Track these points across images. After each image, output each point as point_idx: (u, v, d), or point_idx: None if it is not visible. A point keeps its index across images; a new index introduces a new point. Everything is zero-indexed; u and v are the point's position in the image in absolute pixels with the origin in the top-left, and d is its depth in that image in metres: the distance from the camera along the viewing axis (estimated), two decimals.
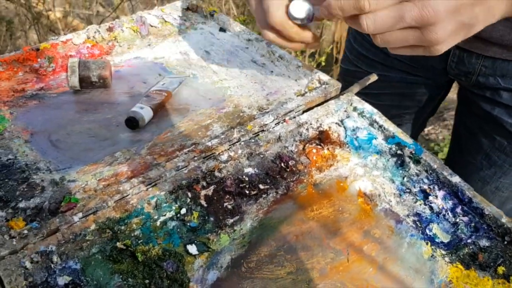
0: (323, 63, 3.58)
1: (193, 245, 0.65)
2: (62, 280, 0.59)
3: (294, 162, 0.79)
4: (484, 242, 0.72)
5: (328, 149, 0.82)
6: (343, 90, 0.91)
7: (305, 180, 0.77)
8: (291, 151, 0.81)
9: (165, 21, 1.10)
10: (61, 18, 3.52)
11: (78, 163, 0.75)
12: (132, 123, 0.80)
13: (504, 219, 0.72)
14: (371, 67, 1.10)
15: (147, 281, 0.61)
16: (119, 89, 0.90)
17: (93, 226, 0.63)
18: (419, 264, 0.69)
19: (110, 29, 1.03)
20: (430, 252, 0.70)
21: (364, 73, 1.09)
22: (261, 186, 0.74)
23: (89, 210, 0.65)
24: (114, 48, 1.01)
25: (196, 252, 0.65)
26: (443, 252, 0.70)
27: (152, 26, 1.08)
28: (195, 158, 0.74)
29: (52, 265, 0.60)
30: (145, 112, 0.81)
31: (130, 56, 1.00)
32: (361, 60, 1.12)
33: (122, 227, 0.65)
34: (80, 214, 0.64)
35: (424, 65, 1.04)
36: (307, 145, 0.82)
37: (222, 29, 1.08)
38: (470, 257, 0.70)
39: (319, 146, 0.82)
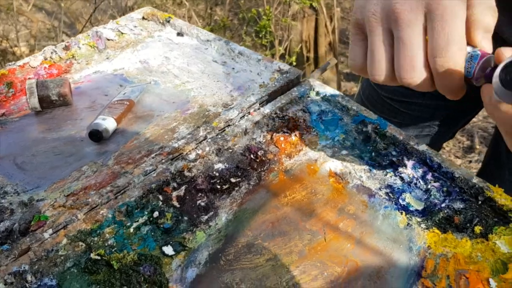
0: (294, 63, 3.61)
1: (169, 246, 0.65)
2: None
3: (263, 152, 0.79)
4: (458, 205, 0.72)
5: (295, 135, 0.82)
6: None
7: (276, 168, 0.77)
8: (259, 142, 0.81)
9: (122, 33, 1.09)
10: (28, 53, 3.49)
11: (45, 182, 0.75)
12: (96, 135, 0.79)
13: (475, 180, 0.73)
14: None
15: (125, 287, 0.60)
16: (80, 105, 0.90)
17: (64, 241, 0.63)
18: (396, 234, 0.69)
19: (66, 48, 1.03)
20: (405, 221, 0.71)
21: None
22: (232, 180, 0.74)
23: (59, 225, 0.64)
24: (73, 66, 1.00)
25: (173, 253, 0.64)
26: (419, 220, 0.71)
27: (108, 39, 1.07)
28: (163, 161, 0.74)
29: (27, 285, 0.59)
30: (108, 123, 0.81)
31: (89, 71, 0.99)
32: None
33: (95, 238, 0.64)
34: (50, 231, 0.63)
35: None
36: (275, 134, 0.82)
37: (180, 34, 1.08)
38: (446, 221, 0.71)
39: (286, 134, 0.82)
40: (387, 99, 1.07)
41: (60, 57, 1.02)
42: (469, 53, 0.44)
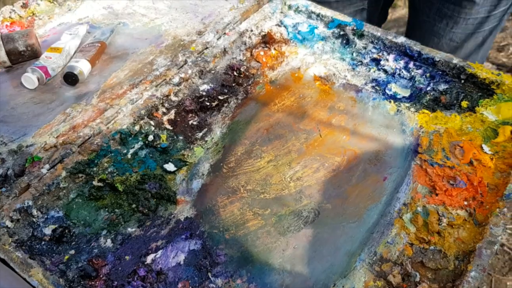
0: None
1: (170, 163, 0.65)
2: (48, 229, 0.57)
3: (246, 68, 0.78)
4: (442, 86, 0.74)
5: (274, 49, 0.82)
6: None
7: (261, 81, 0.77)
8: (240, 59, 0.80)
9: None
10: None
11: (31, 129, 0.73)
12: (71, 77, 0.77)
13: (455, 60, 0.75)
14: None
15: (133, 205, 0.60)
16: None
17: (63, 173, 0.62)
18: (388, 120, 0.71)
19: (24, 6, 0.99)
20: (395, 108, 0.72)
21: None
22: (220, 97, 0.74)
23: (55, 160, 0.63)
24: (35, 22, 0.96)
25: (175, 168, 0.64)
26: (407, 105, 0.73)
27: None
28: (147, 89, 0.73)
29: (34, 219, 0.58)
30: (82, 65, 0.79)
31: (53, 24, 0.96)
32: None
33: (94, 169, 0.64)
34: (47, 166, 0.62)
35: None
36: (254, 50, 0.82)
37: None
38: (434, 102, 0.73)
39: (265, 48, 0.82)
40: None
41: (20, 16, 0.98)
42: None
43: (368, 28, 0.81)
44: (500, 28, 1.07)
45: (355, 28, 0.81)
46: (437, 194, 0.60)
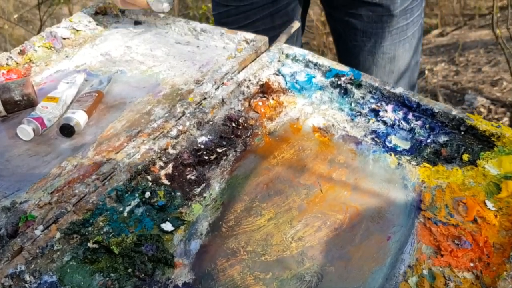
0: None
1: (167, 222, 0.63)
2: None
3: (244, 119, 0.78)
4: (442, 138, 0.74)
5: (273, 98, 0.81)
6: None
7: (259, 132, 0.76)
8: (238, 110, 0.80)
9: (77, 30, 1.06)
10: None
11: (25, 184, 0.71)
12: (67, 129, 0.76)
13: (454, 112, 0.74)
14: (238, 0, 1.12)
15: (129, 270, 0.58)
16: None
17: (58, 235, 0.60)
18: (389, 174, 0.70)
19: (22, 52, 0.99)
20: (395, 161, 0.71)
21: (236, 8, 1.11)
22: (218, 150, 0.73)
23: (49, 220, 0.61)
24: (32, 69, 0.96)
25: (172, 228, 0.63)
26: (408, 158, 0.72)
27: (64, 38, 1.03)
28: (145, 142, 0.72)
29: (27, 285, 0.56)
30: (79, 116, 0.78)
31: (50, 71, 0.95)
32: None
33: (89, 228, 0.62)
34: (41, 227, 0.60)
35: None
36: (252, 100, 0.81)
37: (138, 22, 1.06)
38: (434, 155, 0.72)
39: (263, 98, 0.81)
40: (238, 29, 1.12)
41: (17, 63, 0.97)
42: None
43: (366, 78, 0.80)
44: (422, 29, 1.17)
45: (352, 78, 0.81)
46: (442, 255, 0.59)
